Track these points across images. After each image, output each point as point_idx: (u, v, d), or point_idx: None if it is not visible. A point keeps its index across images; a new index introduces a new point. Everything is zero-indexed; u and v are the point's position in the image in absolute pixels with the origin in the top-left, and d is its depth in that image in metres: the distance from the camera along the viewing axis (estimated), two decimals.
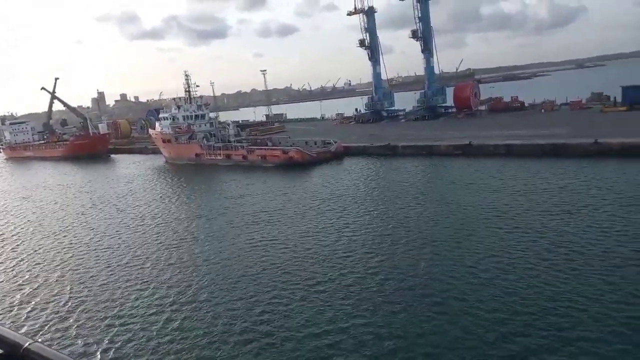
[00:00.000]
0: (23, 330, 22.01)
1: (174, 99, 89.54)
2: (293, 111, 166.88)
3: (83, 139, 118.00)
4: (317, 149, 68.64)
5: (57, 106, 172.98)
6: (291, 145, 71.31)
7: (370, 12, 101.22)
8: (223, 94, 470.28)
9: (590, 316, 19.03)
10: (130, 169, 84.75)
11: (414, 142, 64.25)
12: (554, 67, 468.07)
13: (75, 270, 31.27)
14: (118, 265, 31.20)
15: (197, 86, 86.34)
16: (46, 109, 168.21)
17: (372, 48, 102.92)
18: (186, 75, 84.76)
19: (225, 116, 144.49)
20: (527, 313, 19.72)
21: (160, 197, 55.16)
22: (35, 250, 36.98)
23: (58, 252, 35.74)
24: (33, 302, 26.31)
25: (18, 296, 27.55)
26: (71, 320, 23.60)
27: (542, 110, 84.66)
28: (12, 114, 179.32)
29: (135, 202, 52.60)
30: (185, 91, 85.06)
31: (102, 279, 29.03)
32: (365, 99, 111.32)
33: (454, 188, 43.78)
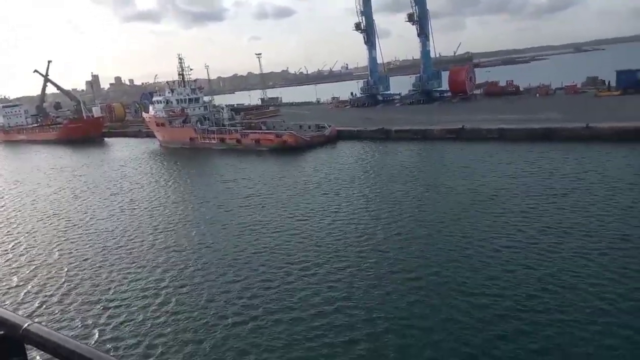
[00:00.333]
0: (20, 313, 22.26)
1: (167, 82, 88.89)
2: (289, 95, 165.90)
3: (77, 122, 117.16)
4: (311, 133, 68.60)
5: (51, 89, 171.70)
6: (285, 129, 71.21)
7: None
8: (219, 78, 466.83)
9: (576, 295, 19.50)
10: (124, 153, 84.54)
11: (408, 126, 64.31)
12: (552, 51, 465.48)
13: (70, 253, 31.53)
14: (112, 249, 31.48)
15: (191, 69, 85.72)
16: (39, 92, 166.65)
17: (367, 31, 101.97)
18: (180, 59, 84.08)
19: (220, 100, 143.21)
20: (514, 294, 20.10)
21: (154, 181, 55.23)
22: (30, 233, 37.19)
23: (54, 236, 35.95)
24: (29, 285, 26.59)
25: (14, 279, 27.84)
26: (67, 302, 23.90)
27: (537, 95, 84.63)
28: (5, 97, 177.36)
29: (129, 186, 52.69)
30: (179, 74, 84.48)
31: (97, 262, 29.30)
32: (361, 83, 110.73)
33: (446, 172, 44.08)
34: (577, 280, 20.74)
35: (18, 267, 29.70)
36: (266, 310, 21.06)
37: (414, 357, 16.94)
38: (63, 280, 26.82)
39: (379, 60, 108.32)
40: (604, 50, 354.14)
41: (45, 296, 24.94)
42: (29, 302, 24.43)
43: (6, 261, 31.24)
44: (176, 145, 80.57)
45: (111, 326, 21.00)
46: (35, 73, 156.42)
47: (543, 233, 26.37)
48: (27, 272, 28.74)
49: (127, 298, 23.68)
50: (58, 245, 33.51)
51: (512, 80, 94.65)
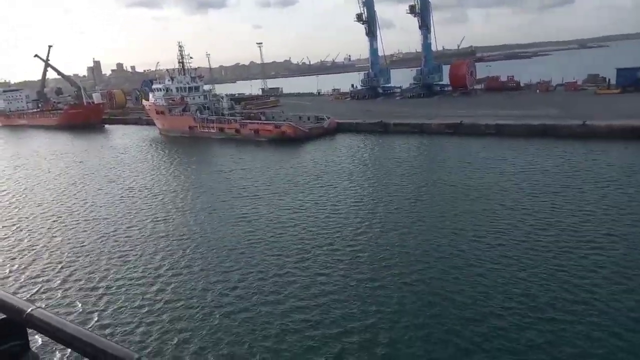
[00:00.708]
0: (19, 297, 22.72)
1: (167, 70, 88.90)
2: (290, 85, 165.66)
3: (77, 108, 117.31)
4: (310, 125, 68.83)
5: (53, 75, 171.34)
6: (284, 120, 71.42)
7: None
8: (221, 66, 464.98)
9: (569, 291, 19.89)
10: (124, 140, 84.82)
11: (406, 120, 64.53)
12: (556, 47, 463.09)
13: (69, 239, 32.02)
14: (111, 235, 31.95)
15: (191, 57, 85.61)
16: (40, 77, 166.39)
17: (369, 23, 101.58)
18: (180, 46, 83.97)
19: (222, 89, 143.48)
20: (508, 290, 20.47)
21: (153, 169, 55.65)
22: (30, 219, 37.65)
23: (54, 221, 36.42)
24: (29, 270, 27.10)
25: (13, 264, 28.33)
26: (66, 287, 24.40)
27: (537, 91, 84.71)
28: (6, 81, 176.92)
29: (129, 173, 53.10)
30: (179, 62, 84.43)
31: (95, 248, 29.80)
32: (362, 75, 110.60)
33: (443, 167, 44.44)
34: (570, 277, 21.05)
35: (17, 252, 30.19)
36: (261, 299, 21.52)
37: (406, 348, 17.30)
38: (62, 265, 27.32)
39: (380, 53, 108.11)
40: (609, 47, 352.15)
41: (45, 281, 25.45)
42: (29, 286, 24.93)
43: (7, 245, 31.73)
44: (175, 133, 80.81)
45: (109, 311, 21.53)
46: (36, 58, 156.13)
47: (536, 229, 26.77)
48: (28, 256, 29.25)
49: (124, 285, 24.16)
50: (58, 230, 34.01)
51: (513, 76, 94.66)
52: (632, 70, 72.36)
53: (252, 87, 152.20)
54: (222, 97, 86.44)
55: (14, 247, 31.24)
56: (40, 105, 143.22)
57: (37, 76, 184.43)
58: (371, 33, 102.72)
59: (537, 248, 24.35)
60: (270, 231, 30.27)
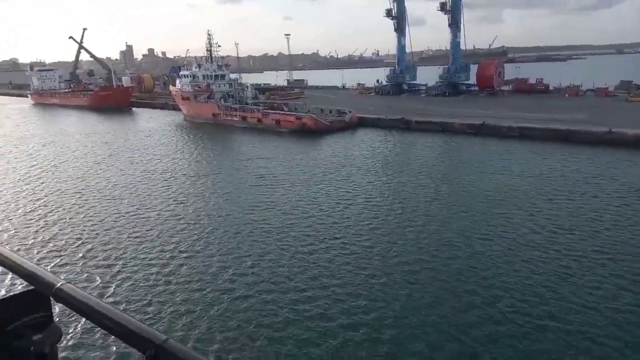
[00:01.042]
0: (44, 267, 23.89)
1: (195, 57, 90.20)
2: (316, 78, 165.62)
3: (107, 90, 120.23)
4: (331, 118, 69.03)
5: (86, 57, 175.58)
6: (307, 112, 71.77)
7: None
8: (249, 56, 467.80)
9: (583, 298, 19.74)
10: (150, 123, 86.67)
11: (429, 118, 64.05)
12: (592, 51, 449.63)
13: (91, 216, 33.20)
14: (131, 215, 32.97)
15: (219, 46, 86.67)
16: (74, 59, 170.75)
17: (398, 19, 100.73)
18: (208, 35, 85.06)
19: (248, 78, 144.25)
20: (520, 294, 20.32)
21: (175, 152, 56.91)
22: (54, 194, 39.14)
23: (79, 198, 37.77)
24: (51, 243, 28.27)
25: (37, 236, 29.60)
26: (85, 262, 25.35)
27: (567, 95, 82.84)
28: (41, 61, 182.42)
29: (151, 156, 54.44)
30: (207, 50, 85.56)
31: (116, 226, 30.80)
32: (388, 70, 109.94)
33: (463, 167, 44.13)
34: (584, 285, 20.78)
35: (45, 225, 31.57)
36: (270, 286, 21.93)
37: (412, 346, 17.37)
38: (82, 241, 28.37)
39: (408, 49, 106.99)
40: None
41: (65, 255, 26.51)
42: (50, 259, 26.05)
43: (34, 217, 33.17)
44: (200, 120, 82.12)
45: (123, 287, 22.35)
46: (70, 40, 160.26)
47: (553, 235, 26.40)
48: (51, 230, 30.51)
49: (140, 264, 24.97)
50: (82, 207, 35.24)
51: (542, 79, 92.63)
52: None
53: (277, 78, 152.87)
54: (247, 87, 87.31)
55: (39, 220, 32.64)
56: (72, 85, 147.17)
57: (71, 58, 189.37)
58: (399, 29, 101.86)
59: (553, 254, 24.06)
60: (285, 220, 30.73)
